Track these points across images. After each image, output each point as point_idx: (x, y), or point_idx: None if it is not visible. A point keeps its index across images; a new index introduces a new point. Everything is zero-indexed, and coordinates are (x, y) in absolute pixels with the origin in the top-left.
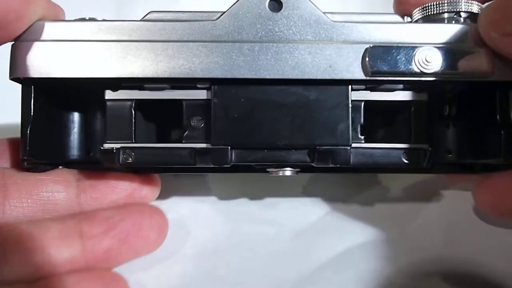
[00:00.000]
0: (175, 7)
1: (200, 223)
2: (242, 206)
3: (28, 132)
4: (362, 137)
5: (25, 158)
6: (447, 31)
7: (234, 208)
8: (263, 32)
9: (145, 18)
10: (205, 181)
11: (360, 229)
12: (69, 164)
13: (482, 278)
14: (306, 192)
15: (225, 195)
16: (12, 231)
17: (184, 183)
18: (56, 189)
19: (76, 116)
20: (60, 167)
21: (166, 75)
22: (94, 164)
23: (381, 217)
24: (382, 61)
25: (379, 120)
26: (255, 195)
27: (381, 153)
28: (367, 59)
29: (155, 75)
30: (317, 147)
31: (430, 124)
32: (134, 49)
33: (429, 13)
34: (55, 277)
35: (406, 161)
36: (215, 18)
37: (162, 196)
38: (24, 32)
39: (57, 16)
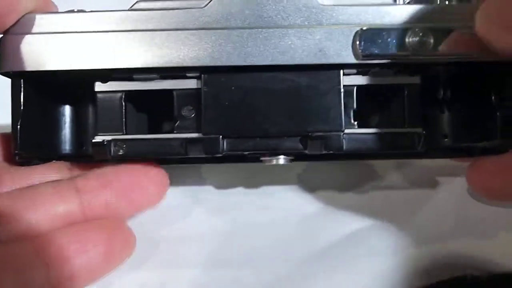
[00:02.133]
0: None
1: (201, 210)
2: (242, 195)
3: (18, 126)
4: (355, 122)
5: (17, 152)
6: (438, 12)
7: (234, 197)
8: (251, 18)
9: (133, 7)
10: (199, 172)
11: (367, 213)
12: (62, 158)
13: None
14: (309, 181)
15: (220, 186)
16: (5, 197)
17: (179, 176)
18: (49, 173)
19: (67, 109)
20: (53, 161)
21: (155, 65)
22: (86, 158)
23: (388, 204)
24: (373, 44)
25: (372, 105)
26: (251, 186)
27: (374, 138)
28: (357, 42)
29: (144, 65)
30: (310, 134)
31: (425, 108)
32: (123, 39)
33: None
34: (53, 231)
35: (400, 146)
36: (203, 5)
37: None
38: (13, 25)
39: (48, 9)
